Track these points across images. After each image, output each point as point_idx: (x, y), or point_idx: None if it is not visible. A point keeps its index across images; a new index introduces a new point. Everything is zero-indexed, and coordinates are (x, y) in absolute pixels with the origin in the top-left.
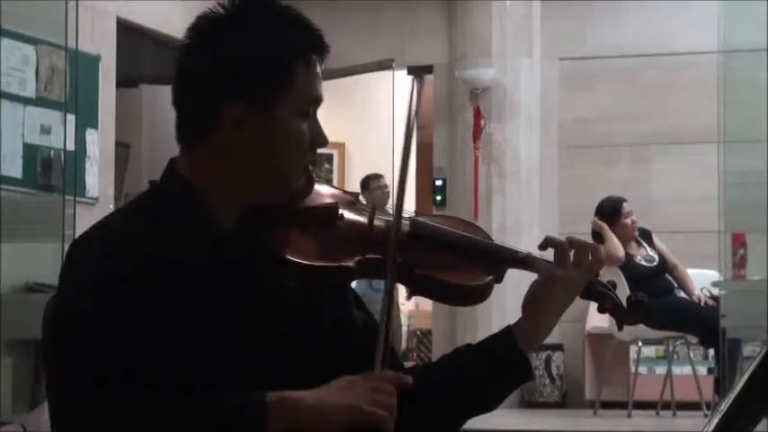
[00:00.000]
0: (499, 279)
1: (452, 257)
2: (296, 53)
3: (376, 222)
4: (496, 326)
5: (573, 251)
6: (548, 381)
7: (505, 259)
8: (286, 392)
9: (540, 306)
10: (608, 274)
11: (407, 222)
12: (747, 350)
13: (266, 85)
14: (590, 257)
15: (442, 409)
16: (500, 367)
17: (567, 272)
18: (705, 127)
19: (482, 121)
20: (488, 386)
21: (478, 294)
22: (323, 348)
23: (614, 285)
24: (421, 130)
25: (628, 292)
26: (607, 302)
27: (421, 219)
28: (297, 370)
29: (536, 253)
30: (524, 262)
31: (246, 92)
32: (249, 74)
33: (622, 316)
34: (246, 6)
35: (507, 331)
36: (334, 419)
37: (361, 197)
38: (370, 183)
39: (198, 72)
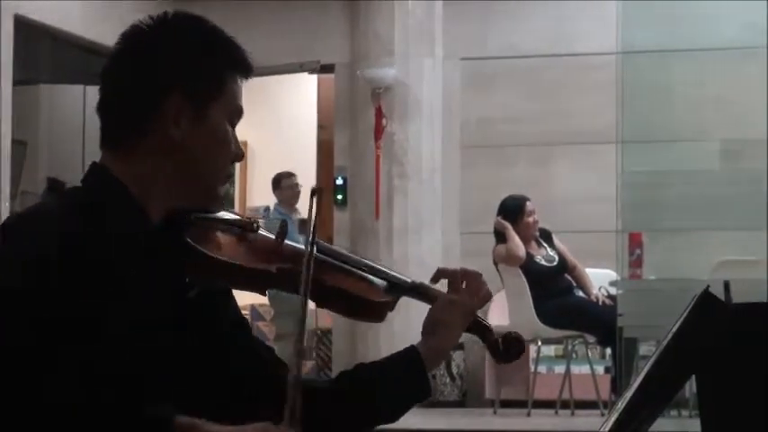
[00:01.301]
0: (394, 304)
1: (355, 276)
2: (227, 65)
3: (285, 244)
4: (398, 325)
5: (464, 280)
6: (448, 380)
7: (402, 285)
8: (197, 420)
9: (438, 330)
10: (509, 274)
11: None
12: (644, 349)
13: (203, 86)
14: (480, 286)
15: (342, 423)
16: (405, 382)
17: (462, 296)
18: (605, 128)
19: (384, 121)
20: (392, 401)
21: (377, 310)
22: (217, 355)
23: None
24: (322, 129)
25: (528, 291)
26: (487, 337)
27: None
28: (194, 376)
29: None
30: (419, 291)
31: (185, 89)
32: (188, 74)
33: (497, 354)
34: (179, 18)
35: (412, 349)
36: None
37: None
38: (282, 181)
39: (135, 73)
